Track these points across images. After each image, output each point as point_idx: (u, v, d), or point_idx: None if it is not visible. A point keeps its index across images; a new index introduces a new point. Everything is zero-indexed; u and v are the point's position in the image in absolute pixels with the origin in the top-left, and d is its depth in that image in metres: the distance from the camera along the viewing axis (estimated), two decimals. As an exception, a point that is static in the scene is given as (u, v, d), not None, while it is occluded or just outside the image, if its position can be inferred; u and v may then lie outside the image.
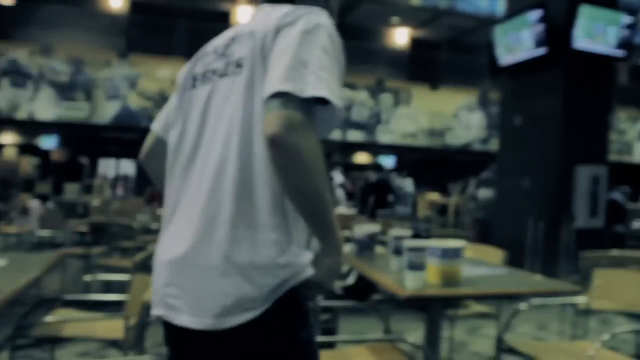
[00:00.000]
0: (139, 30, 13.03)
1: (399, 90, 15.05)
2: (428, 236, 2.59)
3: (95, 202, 8.04)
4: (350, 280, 3.22)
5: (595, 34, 5.90)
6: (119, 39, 13.19)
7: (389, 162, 16.29)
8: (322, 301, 2.87)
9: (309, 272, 1.13)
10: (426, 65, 15.83)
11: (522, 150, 6.53)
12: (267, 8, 1.28)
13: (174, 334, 1.19)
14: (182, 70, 1.40)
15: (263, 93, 1.08)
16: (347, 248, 2.93)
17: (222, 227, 1.10)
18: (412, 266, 1.99)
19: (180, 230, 1.17)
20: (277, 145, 1.02)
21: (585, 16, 5.80)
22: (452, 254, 2.06)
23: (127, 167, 14.80)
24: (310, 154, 1.04)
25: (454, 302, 3.12)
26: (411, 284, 2.00)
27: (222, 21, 14.80)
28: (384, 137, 14.82)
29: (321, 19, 1.17)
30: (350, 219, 6.23)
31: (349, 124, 14.21)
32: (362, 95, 14.39)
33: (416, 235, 2.61)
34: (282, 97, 1.04)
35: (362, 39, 15.82)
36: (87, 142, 13.33)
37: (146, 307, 1.94)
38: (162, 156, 1.36)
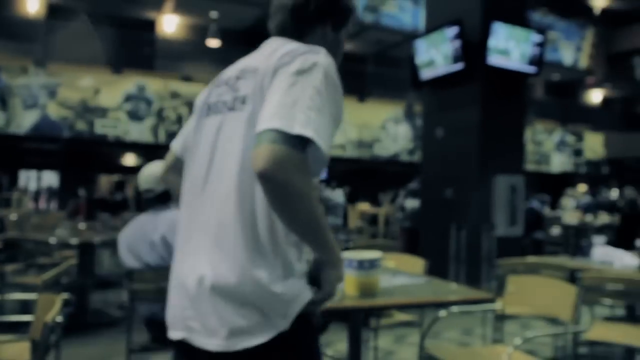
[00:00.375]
0: (58, 37, 12.51)
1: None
2: (347, 248, 2.62)
3: (12, 216, 7.63)
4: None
5: (508, 50, 6.20)
6: (36, 46, 12.62)
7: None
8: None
9: (310, 294, 1.24)
10: (354, 78, 16.08)
11: (444, 162, 6.74)
12: (275, 42, 1.35)
13: (194, 356, 1.24)
14: (200, 95, 1.48)
15: (256, 129, 1.14)
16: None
17: (231, 258, 1.19)
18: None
19: (195, 258, 1.25)
20: (266, 179, 1.07)
21: (499, 34, 6.08)
22: (368, 265, 2.09)
23: (50, 178, 14.15)
24: (299, 186, 1.09)
25: (375, 312, 3.17)
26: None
27: (147, 30, 14.50)
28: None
29: (319, 58, 1.22)
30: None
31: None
32: (291, 107, 14.45)
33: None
34: (270, 132, 1.09)
35: (291, 51, 15.94)
36: (4, 152, 12.66)
37: (48, 328, 1.86)
38: (180, 174, 1.44)
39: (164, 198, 2.60)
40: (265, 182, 1.08)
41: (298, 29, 1.41)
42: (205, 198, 1.28)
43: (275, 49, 1.28)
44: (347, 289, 2.09)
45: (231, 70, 1.39)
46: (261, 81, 1.23)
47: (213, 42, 14.27)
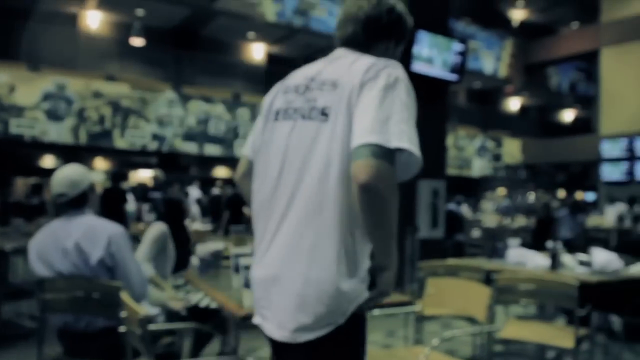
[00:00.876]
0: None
1: (256, 105, 15.14)
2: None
3: None
4: (205, 301, 3.14)
5: (432, 58, 6.39)
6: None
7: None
8: (164, 324, 2.77)
9: (367, 292, 1.35)
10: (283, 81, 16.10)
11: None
12: (348, 55, 1.46)
13: (272, 342, 1.41)
14: (266, 98, 1.56)
15: (352, 142, 1.26)
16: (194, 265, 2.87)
17: (304, 258, 1.30)
18: (249, 284, 1.99)
19: (271, 255, 1.37)
20: (367, 190, 1.20)
21: (422, 42, 6.26)
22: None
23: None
24: (390, 197, 1.23)
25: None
26: (248, 302, 2.00)
27: (69, 25, 13.89)
28: (242, 151, 14.78)
29: (399, 73, 1.34)
30: (205, 235, 6.11)
31: (206, 138, 14.00)
32: (219, 109, 14.26)
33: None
34: (370, 147, 1.21)
35: (219, 53, 15.73)
36: None
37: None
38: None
39: (79, 203, 2.49)
40: (365, 192, 1.21)
41: (367, 41, 1.50)
42: (279, 199, 1.37)
43: (351, 62, 1.39)
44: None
45: (298, 78, 1.48)
46: (347, 96, 1.31)
47: (137, 41, 13.85)
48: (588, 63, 19.31)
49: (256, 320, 1.45)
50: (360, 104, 1.29)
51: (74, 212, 2.48)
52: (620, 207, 11.14)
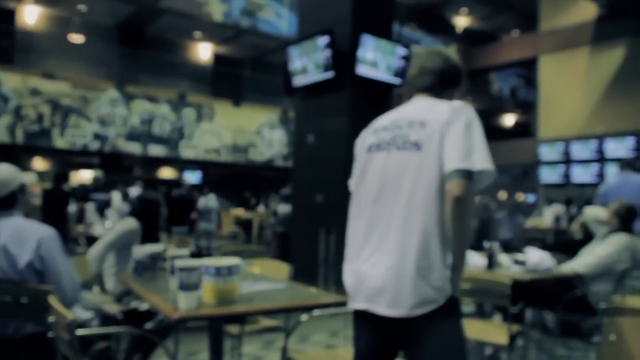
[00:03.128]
0: None
1: (202, 106, 14.94)
2: (209, 254, 2.57)
3: None
4: (144, 306, 3.06)
5: (376, 62, 6.46)
6: None
7: (194, 178, 16.04)
8: (97, 328, 2.69)
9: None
10: (229, 82, 15.96)
11: (315, 167, 6.85)
12: (427, 100, 1.92)
13: (374, 321, 1.81)
14: (357, 141, 2.01)
15: (446, 167, 1.71)
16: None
17: (412, 254, 1.73)
18: (184, 286, 1.96)
19: (380, 253, 1.78)
20: (460, 203, 1.67)
21: (367, 45, 6.32)
22: (226, 272, 2.07)
23: None
24: (472, 207, 1.77)
25: (237, 319, 3.14)
26: (183, 304, 1.96)
27: (5, 20, 13.34)
28: (187, 152, 14.57)
29: (472, 114, 1.80)
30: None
31: (150, 138, 13.71)
32: (164, 109, 14.00)
33: (197, 254, 2.58)
34: (461, 171, 1.69)
35: (164, 52, 15.44)
36: None
37: None
38: None
39: (7, 204, 2.39)
40: (459, 205, 1.67)
41: (440, 89, 1.96)
42: (382, 208, 1.81)
43: (432, 105, 1.86)
44: (205, 297, 2.05)
45: (385, 121, 1.94)
46: (438, 132, 1.75)
47: (76, 38, 13.42)
48: (528, 70, 19.99)
49: (360, 306, 1.83)
50: (448, 138, 1.74)
51: (2, 213, 2.38)
52: (557, 208, 11.56)
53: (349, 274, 1.90)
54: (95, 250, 3.39)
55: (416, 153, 1.77)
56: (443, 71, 1.95)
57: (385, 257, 1.76)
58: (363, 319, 1.87)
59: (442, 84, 1.95)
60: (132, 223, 3.51)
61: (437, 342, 1.74)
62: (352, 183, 2.02)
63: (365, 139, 1.97)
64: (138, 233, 3.49)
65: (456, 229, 1.70)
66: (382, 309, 1.76)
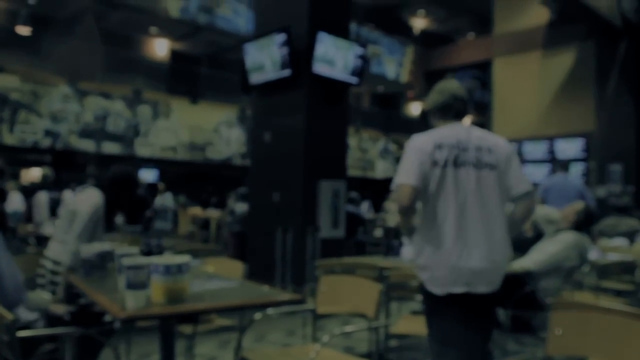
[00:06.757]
0: None
1: (158, 103, 14.67)
2: (160, 252, 2.52)
3: None
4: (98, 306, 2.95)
5: (333, 60, 6.47)
6: None
7: (150, 176, 15.75)
8: (41, 329, 2.60)
9: None
10: (186, 79, 15.72)
11: (272, 166, 6.82)
12: (468, 126, 2.44)
13: (468, 299, 2.27)
14: (423, 148, 2.34)
15: (518, 189, 2.39)
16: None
17: (500, 247, 2.34)
18: (131, 285, 1.91)
19: (472, 246, 2.28)
20: (531, 211, 2.48)
21: (324, 43, 6.33)
22: (176, 270, 2.03)
23: None
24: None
25: (189, 318, 3.09)
26: (131, 303, 1.92)
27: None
28: (143, 150, 14.29)
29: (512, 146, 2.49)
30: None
31: (104, 135, 13.39)
32: (118, 106, 13.69)
33: (148, 252, 2.52)
34: (530, 192, 2.41)
35: (119, 47, 15.09)
36: None
37: None
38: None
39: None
40: (529, 214, 2.48)
41: (467, 113, 2.49)
42: (472, 210, 2.29)
43: (486, 135, 2.44)
44: (154, 296, 2.00)
45: (449, 139, 2.35)
46: (504, 159, 2.38)
47: (23, 30, 12.95)
48: (483, 72, 20.40)
49: (458, 290, 2.25)
50: (512, 165, 2.40)
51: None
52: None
53: (443, 266, 2.28)
54: (76, 244, 3.07)
55: (491, 172, 2.34)
56: (467, 100, 2.50)
57: (478, 250, 2.26)
58: (453, 302, 2.29)
59: (468, 110, 2.50)
60: (94, 199, 3.18)
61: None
62: (416, 182, 2.29)
63: (434, 152, 2.32)
64: (101, 207, 3.19)
65: (520, 228, 2.53)
66: (482, 289, 2.27)
